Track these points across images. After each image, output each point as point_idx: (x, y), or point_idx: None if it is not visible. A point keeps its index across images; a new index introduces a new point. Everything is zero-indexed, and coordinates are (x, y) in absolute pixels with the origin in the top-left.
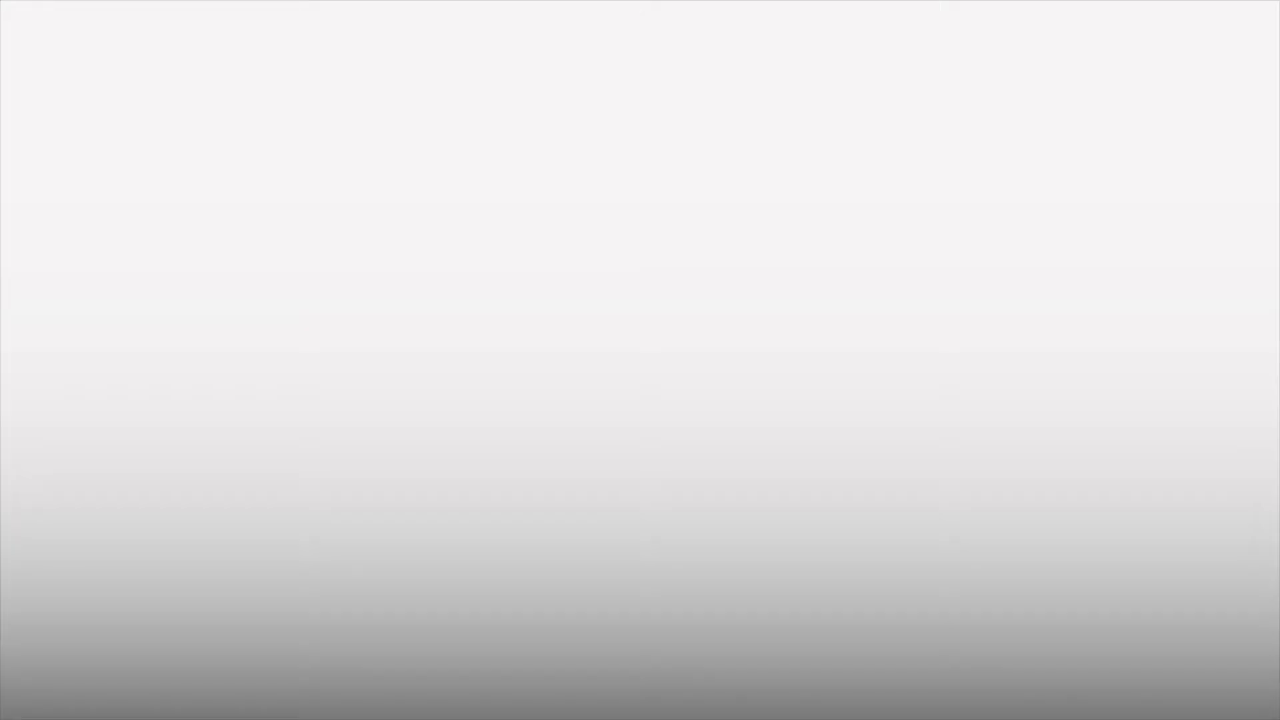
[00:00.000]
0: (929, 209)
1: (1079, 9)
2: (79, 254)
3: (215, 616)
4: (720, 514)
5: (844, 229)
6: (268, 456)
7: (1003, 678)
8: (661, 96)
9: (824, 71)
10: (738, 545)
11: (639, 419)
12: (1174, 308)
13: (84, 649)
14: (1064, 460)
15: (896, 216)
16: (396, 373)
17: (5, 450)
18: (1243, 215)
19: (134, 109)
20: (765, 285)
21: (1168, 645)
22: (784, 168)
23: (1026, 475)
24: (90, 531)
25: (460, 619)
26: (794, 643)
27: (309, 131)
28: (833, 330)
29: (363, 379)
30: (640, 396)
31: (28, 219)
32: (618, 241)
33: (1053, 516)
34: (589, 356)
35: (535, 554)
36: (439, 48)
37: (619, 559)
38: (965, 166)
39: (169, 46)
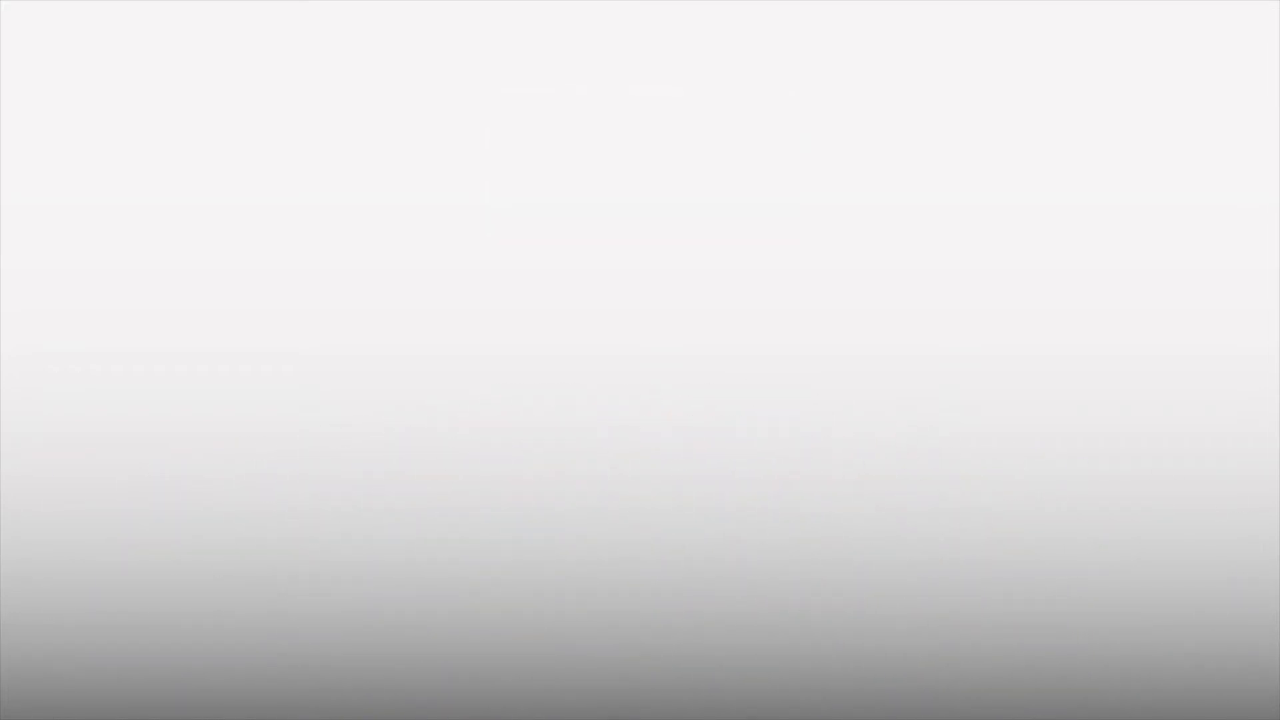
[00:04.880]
0: (930, 210)
1: (1079, 9)
2: (79, 254)
3: (215, 616)
4: (719, 514)
5: (845, 230)
6: (268, 456)
7: (1002, 677)
8: (662, 98)
9: (825, 73)
10: (737, 545)
11: (639, 419)
12: (1174, 308)
13: (84, 649)
14: (1065, 461)
15: (897, 218)
16: (395, 372)
17: (5, 451)
18: (1242, 216)
19: (134, 109)
20: (766, 286)
21: (1167, 645)
22: (785, 169)
23: (1026, 475)
24: (90, 532)
25: (459, 619)
26: (794, 641)
27: (308, 132)
28: (833, 331)
29: (362, 379)
30: (640, 397)
31: (27, 219)
32: (618, 241)
33: (1053, 516)
34: (589, 357)
35: (535, 554)
36: (438, 49)
37: (619, 558)
38: (966, 169)
39: (169, 47)
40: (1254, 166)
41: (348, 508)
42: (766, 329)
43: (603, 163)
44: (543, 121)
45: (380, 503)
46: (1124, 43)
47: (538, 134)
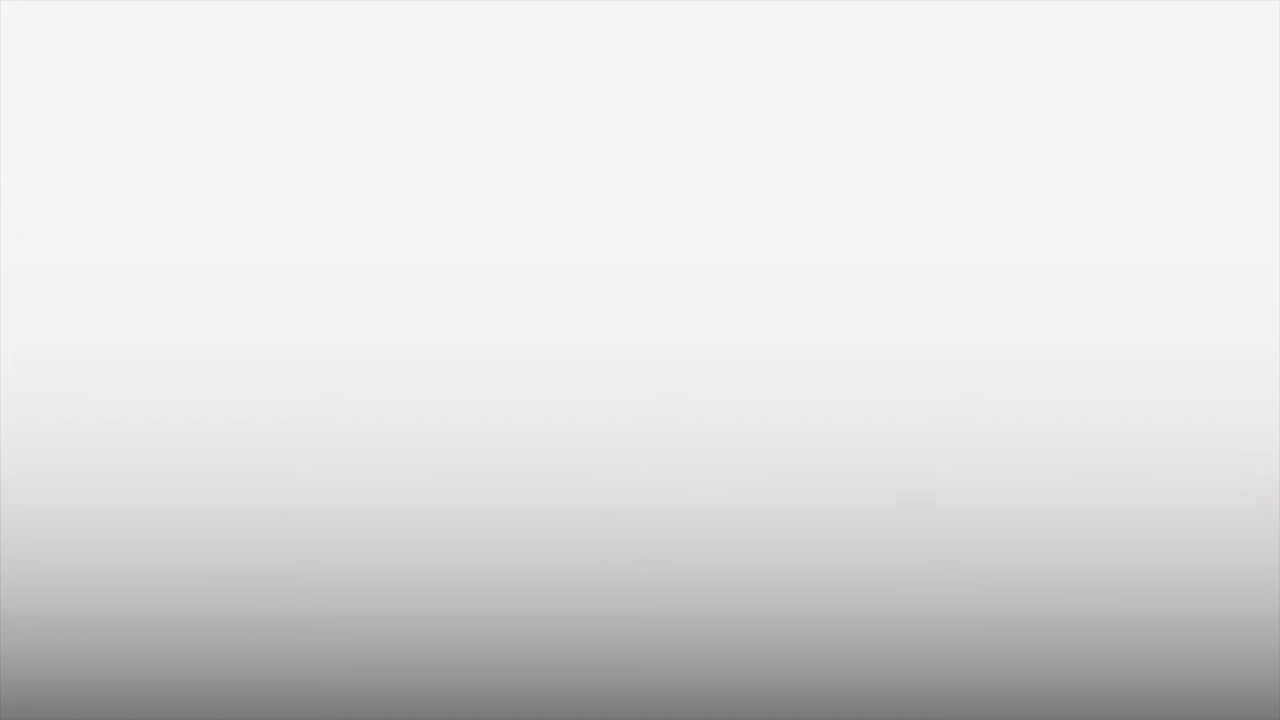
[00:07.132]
0: (931, 211)
1: (1079, 9)
2: (79, 254)
3: (215, 617)
4: (719, 514)
5: (846, 231)
6: (268, 456)
7: (1002, 678)
8: (663, 97)
9: (826, 73)
10: (736, 545)
11: (639, 419)
12: (1174, 308)
13: (84, 649)
14: (1065, 461)
15: (898, 219)
16: (395, 373)
17: (5, 451)
18: (1242, 216)
19: (134, 109)
20: (765, 286)
21: (1168, 645)
22: (785, 170)
23: (1026, 476)
24: (90, 532)
25: (459, 619)
26: (793, 641)
27: (308, 132)
28: (831, 331)
29: (362, 379)
30: (640, 397)
31: (27, 219)
32: (617, 242)
33: (1053, 517)
34: (590, 357)
35: (535, 554)
36: (439, 49)
37: (619, 559)
38: (967, 169)
39: (169, 48)
40: (1254, 166)
41: (347, 508)
42: (766, 329)
43: (601, 163)
44: (541, 121)
45: (378, 503)
46: (1124, 43)
47: (536, 134)
